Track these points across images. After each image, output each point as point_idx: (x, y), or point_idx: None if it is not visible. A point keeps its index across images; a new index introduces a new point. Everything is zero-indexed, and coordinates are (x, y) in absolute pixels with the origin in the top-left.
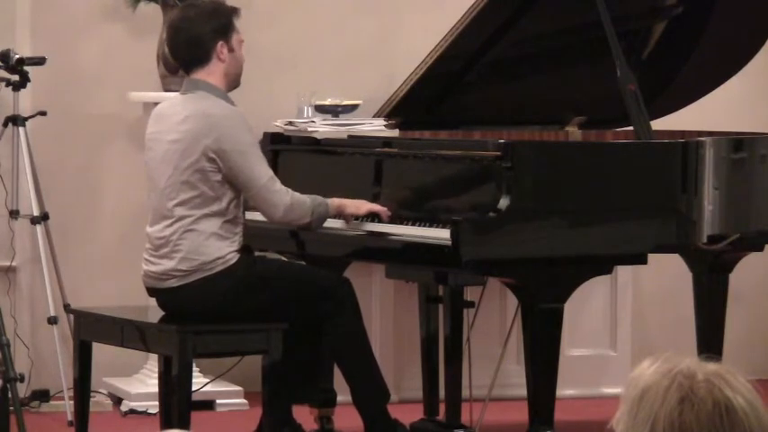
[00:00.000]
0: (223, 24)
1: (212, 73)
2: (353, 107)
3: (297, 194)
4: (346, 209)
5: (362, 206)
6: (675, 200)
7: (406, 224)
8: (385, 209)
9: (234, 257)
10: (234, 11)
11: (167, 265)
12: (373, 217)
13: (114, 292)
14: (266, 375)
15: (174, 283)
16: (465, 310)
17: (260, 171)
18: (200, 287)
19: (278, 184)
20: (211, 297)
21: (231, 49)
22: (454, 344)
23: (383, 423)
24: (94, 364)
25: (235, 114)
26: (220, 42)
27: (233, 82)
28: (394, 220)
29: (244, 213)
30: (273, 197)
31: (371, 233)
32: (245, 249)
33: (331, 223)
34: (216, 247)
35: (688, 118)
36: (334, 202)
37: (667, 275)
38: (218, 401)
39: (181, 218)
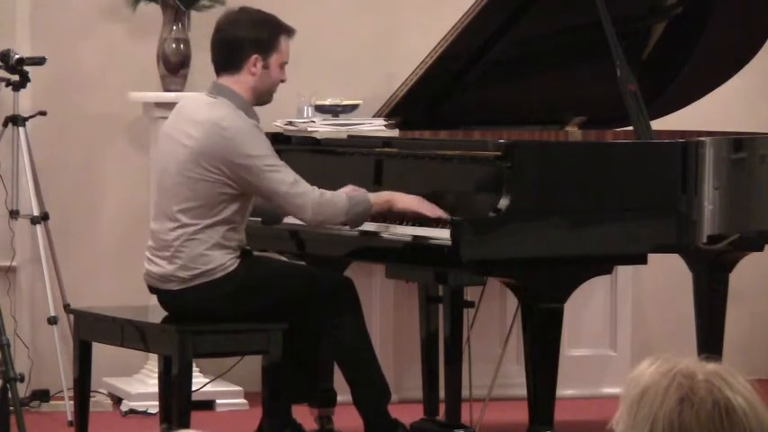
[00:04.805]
0: (266, 39)
1: (240, 82)
2: (353, 107)
3: (330, 194)
4: (396, 203)
5: (415, 202)
6: (675, 200)
7: (406, 224)
8: (433, 207)
9: (234, 263)
10: (286, 30)
11: (167, 268)
12: (418, 219)
13: (114, 292)
14: (266, 375)
15: (174, 286)
16: (465, 310)
17: (280, 178)
18: (202, 291)
19: (302, 186)
20: (213, 300)
21: (266, 66)
22: (454, 344)
23: (383, 423)
24: (94, 364)
25: (248, 127)
26: (255, 56)
27: (262, 98)
28: (394, 220)
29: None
30: (299, 200)
31: (371, 233)
32: (244, 252)
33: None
34: (217, 255)
35: (688, 118)
36: (382, 196)
37: (667, 275)
38: (218, 401)
39: (184, 225)
